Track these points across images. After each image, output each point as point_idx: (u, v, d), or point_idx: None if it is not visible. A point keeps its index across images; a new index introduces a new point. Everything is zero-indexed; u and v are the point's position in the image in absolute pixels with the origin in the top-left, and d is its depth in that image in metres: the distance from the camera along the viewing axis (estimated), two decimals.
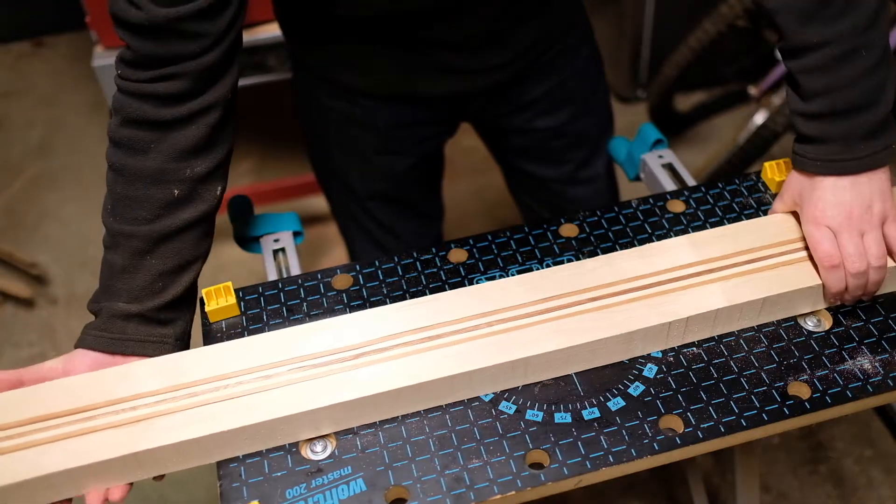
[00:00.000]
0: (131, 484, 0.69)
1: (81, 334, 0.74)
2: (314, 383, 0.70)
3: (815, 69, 0.74)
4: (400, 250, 0.87)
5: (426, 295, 0.81)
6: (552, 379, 0.74)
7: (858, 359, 0.74)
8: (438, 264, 0.85)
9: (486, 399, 0.73)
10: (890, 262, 0.75)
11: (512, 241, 0.87)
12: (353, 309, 0.81)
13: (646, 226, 0.88)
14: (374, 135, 1.03)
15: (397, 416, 0.72)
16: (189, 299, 0.78)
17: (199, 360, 0.72)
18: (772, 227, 0.81)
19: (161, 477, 0.71)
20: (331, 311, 0.81)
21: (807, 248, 0.77)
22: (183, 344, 0.77)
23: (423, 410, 0.72)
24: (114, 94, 0.74)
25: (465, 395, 0.72)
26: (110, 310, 0.74)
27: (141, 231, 0.73)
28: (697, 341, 0.76)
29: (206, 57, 0.72)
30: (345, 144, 1.05)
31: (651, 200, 0.92)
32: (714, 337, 0.76)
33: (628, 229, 0.88)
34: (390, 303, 0.80)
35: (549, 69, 1.02)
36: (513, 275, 0.82)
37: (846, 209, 0.74)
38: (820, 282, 0.75)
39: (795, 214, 0.80)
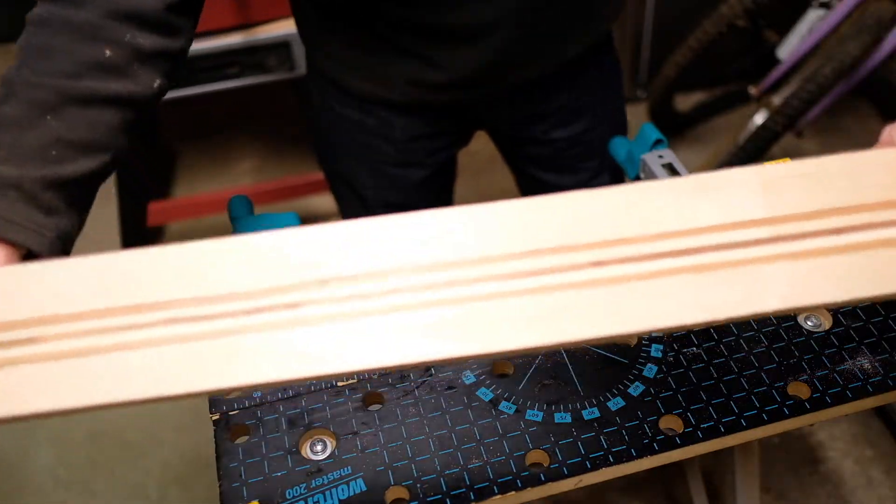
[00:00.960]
0: None
1: None
2: (209, 344, 0.43)
3: None
4: None
5: None
6: (549, 379, 0.74)
7: (858, 359, 0.74)
8: None
9: (486, 399, 0.73)
10: None
11: None
12: None
13: None
14: (389, 146, 1.02)
15: (397, 417, 0.72)
16: (84, 197, 0.61)
17: (36, 285, 0.45)
18: (888, 173, 0.49)
19: None
20: None
21: None
22: (61, 250, 0.58)
23: (423, 410, 0.72)
24: None
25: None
26: None
27: (51, 83, 0.58)
28: (697, 341, 0.76)
29: None
30: (358, 154, 1.04)
31: None
32: (714, 337, 0.76)
33: None
34: None
35: (571, 80, 1.01)
36: None
37: None
38: None
39: None
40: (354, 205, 1.13)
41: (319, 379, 0.45)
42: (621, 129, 1.15)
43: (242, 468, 0.69)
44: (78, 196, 0.60)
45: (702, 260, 0.47)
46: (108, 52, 0.60)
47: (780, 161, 0.51)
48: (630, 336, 0.49)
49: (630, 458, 0.68)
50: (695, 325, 0.47)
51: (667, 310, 0.46)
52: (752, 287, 0.46)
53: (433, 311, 0.45)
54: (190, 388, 0.43)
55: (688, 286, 0.46)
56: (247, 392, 0.74)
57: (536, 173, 1.13)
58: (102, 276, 0.45)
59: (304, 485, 0.67)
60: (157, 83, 0.64)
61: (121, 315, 0.44)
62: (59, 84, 0.58)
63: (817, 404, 0.71)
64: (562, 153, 1.08)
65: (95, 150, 0.60)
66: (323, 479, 0.67)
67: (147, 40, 0.62)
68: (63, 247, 0.58)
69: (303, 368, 0.43)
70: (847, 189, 0.48)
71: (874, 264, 0.46)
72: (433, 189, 1.11)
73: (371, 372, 0.44)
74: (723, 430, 0.69)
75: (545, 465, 0.68)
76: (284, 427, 0.72)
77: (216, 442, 0.72)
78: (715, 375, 0.73)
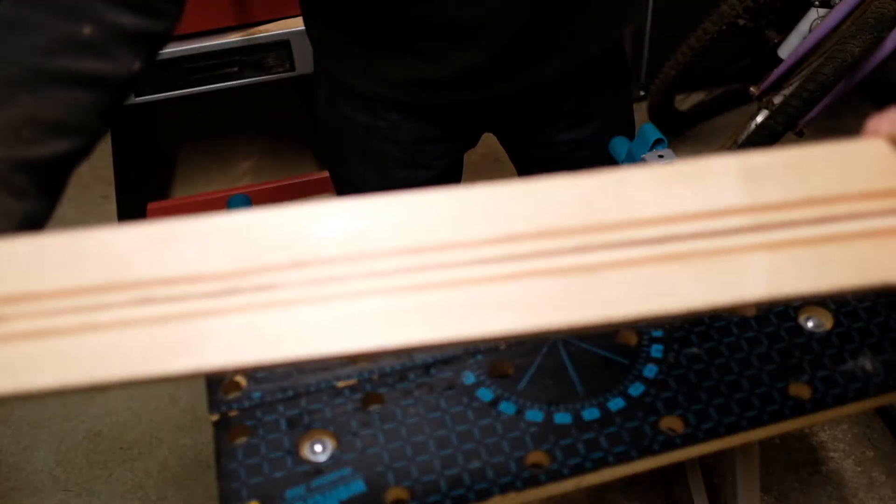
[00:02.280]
0: None
1: None
2: (170, 327, 0.43)
3: None
4: None
5: None
6: (549, 379, 0.74)
7: (860, 359, 0.74)
8: None
9: (486, 399, 0.73)
10: None
11: None
12: None
13: None
14: (395, 147, 1.01)
15: (397, 417, 0.71)
16: (56, 181, 0.58)
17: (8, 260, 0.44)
18: (866, 163, 0.50)
19: None
20: None
21: None
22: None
23: (423, 411, 0.72)
24: None
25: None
26: None
27: (26, 59, 0.55)
28: (698, 342, 0.76)
29: None
30: (365, 155, 1.04)
31: None
32: (714, 337, 0.76)
33: None
34: None
35: (581, 84, 1.01)
36: None
37: None
38: None
39: None
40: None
41: (292, 363, 0.43)
42: (628, 133, 1.14)
43: (242, 469, 0.68)
44: (50, 180, 0.57)
45: (682, 248, 0.47)
46: (87, 30, 0.57)
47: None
48: (609, 324, 0.47)
49: (630, 459, 0.68)
50: (677, 313, 0.46)
51: (647, 297, 0.45)
52: (734, 275, 0.46)
53: (407, 297, 0.44)
54: (160, 370, 0.41)
55: (669, 274, 0.46)
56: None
57: (541, 174, 1.13)
58: (70, 254, 0.44)
59: (304, 485, 0.67)
60: (135, 65, 0.61)
61: (89, 295, 0.43)
62: (34, 61, 0.55)
63: (818, 405, 0.71)
64: (568, 156, 1.08)
65: (69, 131, 0.58)
66: (323, 480, 0.67)
67: (129, 20, 0.60)
68: (31, 232, 0.53)
69: (275, 351, 0.42)
70: (830, 179, 0.48)
71: (856, 255, 0.46)
72: None
73: (347, 356, 0.43)
74: (723, 430, 0.69)
75: (545, 465, 0.67)
76: (284, 428, 0.72)
77: (216, 442, 0.71)
78: (715, 376, 0.73)
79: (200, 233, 0.44)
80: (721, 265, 0.46)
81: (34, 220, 0.56)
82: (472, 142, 1.09)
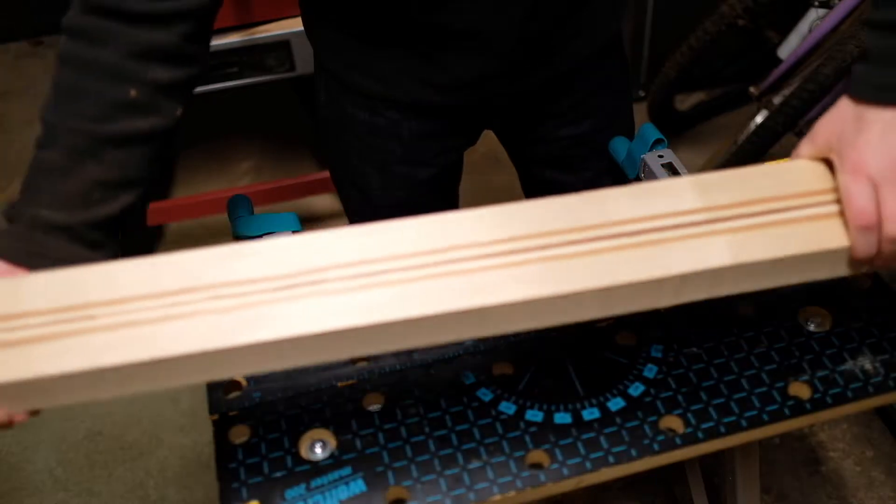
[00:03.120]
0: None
1: None
2: (235, 315, 0.58)
3: None
4: None
5: None
6: (549, 379, 0.74)
7: (859, 359, 0.74)
8: None
9: (486, 399, 0.73)
10: None
11: None
12: None
13: None
14: (397, 145, 1.01)
15: (397, 417, 0.71)
16: (123, 227, 0.68)
17: (98, 278, 0.59)
18: (795, 174, 0.65)
19: (36, 412, 0.61)
20: None
21: (837, 202, 0.63)
22: None
23: (423, 410, 0.72)
24: None
25: (415, 343, 0.61)
26: (32, 218, 0.62)
27: (87, 128, 0.64)
28: (698, 341, 0.76)
29: None
30: (365, 153, 1.04)
31: None
32: (714, 337, 0.76)
33: None
34: None
35: (580, 81, 1.01)
36: None
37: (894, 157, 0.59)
38: (847, 244, 0.62)
39: (826, 162, 0.66)
40: (360, 203, 1.13)
41: (337, 335, 0.58)
42: (628, 131, 1.15)
43: (242, 468, 0.69)
44: (117, 228, 0.67)
45: (656, 237, 0.61)
46: (132, 93, 0.65)
47: (769, 162, 0.69)
48: (606, 293, 0.61)
49: (630, 459, 0.68)
50: (659, 280, 0.60)
51: (635, 270, 0.59)
52: (703, 251, 0.60)
53: (430, 282, 0.59)
54: (227, 344, 0.56)
55: (649, 253, 0.60)
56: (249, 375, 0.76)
57: (541, 171, 1.13)
58: (146, 270, 0.59)
59: (304, 485, 0.67)
60: (178, 111, 0.69)
61: (167, 297, 0.58)
62: (94, 129, 0.64)
63: (818, 405, 0.71)
64: (568, 151, 1.08)
65: (132, 185, 0.66)
66: (323, 480, 0.67)
67: (166, 74, 0.67)
68: None
69: (323, 324, 0.57)
70: (769, 185, 0.64)
71: (798, 232, 0.62)
72: (439, 187, 1.10)
73: (381, 327, 0.59)
74: (723, 430, 0.69)
75: (545, 465, 0.68)
76: (284, 427, 0.72)
77: (216, 442, 0.71)
78: (715, 376, 0.73)
79: (254, 250, 0.60)
80: (691, 244, 0.61)
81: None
82: (473, 139, 1.09)
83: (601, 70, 1.03)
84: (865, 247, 0.61)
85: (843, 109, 0.63)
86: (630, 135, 1.15)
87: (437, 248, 0.61)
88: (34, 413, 0.60)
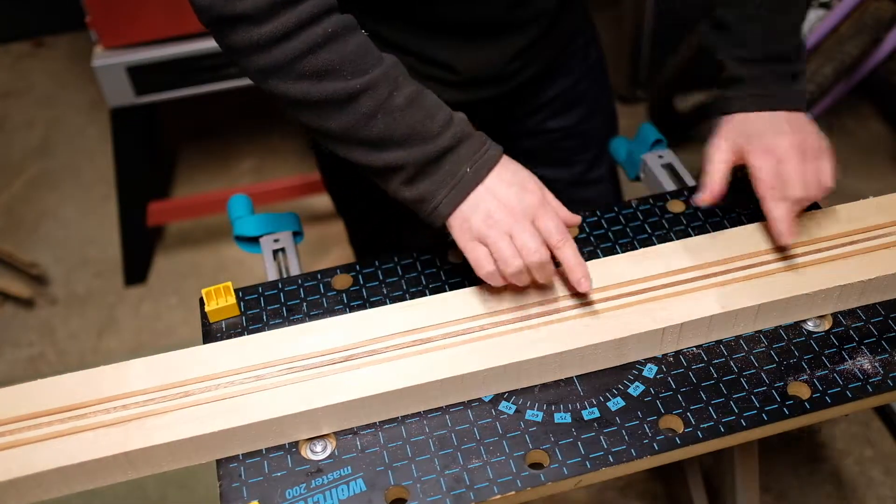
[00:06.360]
0: None
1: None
2: (307, 384, 0.70)
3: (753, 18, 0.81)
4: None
5: (426, 295, 0.81)
6: (550, 380, 0.74)
7: (858, 359, 0.74)
8: (438, 264, 0.85)
9: (486, 399, 0.73)
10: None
11: None
12: (352, 309, 0.81)
13: (645, 226, 0.88)
14: None
15: (397, 417, 0.72)
16: None
17: (191, 360, 0.72)
18: (766, 233, 0.81)
19: None
20: (330, 312, 0.81)
21: (803, 255, 0.78)
22: None
23: (423, 410, 0.72)
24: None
25: (458, 399, 0.72)
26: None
27: (390, 62, 0.72)
28: (697, 341, 0.76)
29: None
30: None
31: (651, 200, 0.92)
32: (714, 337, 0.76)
33: (628, 229, 0.88)
34: (390, 303, 0.80)
35: (564, 70, 1.02)
36: None
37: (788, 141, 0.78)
38: (820, 288, 0.75)
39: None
40: (356, 203, 1.13)
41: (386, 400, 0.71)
42: (612, 121, 1.16)
43: (242, 468, 0.69)
44: None
45: (657, 294, 0.76)
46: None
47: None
48: (622, 343, 0.74)
49: (630, 458, 0.68)
50: (663, 330, 0.73)
51: (643, 322, 0.73)
52: (695, 303, 0.75)
53: (452, 349, 0.73)
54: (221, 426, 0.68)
55: (650, 308, 0.74)
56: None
57: (531, 167, 1.14)
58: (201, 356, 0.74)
59: (304, 485, 0.67)
60: None
61: (169, 389, 0.71)
62: (393, 61, 0.73)
63: (817, 404, 0.71)
64: (556, 145, 1.09)
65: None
66: (323, 479, 0.67)
67: None
68: None
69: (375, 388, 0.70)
70: (744, 244, 0.80)
71: (770, 282, 0.76)
72: None
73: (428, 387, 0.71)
74: (723, 430, 0.69)
75: (545, 465, 0.68)
76: None
77: None
78: (715, 375, 0.73)
79: (313, 329, 0.75)
80: (685, 298, 0.75)
81: None
82: None
83: (581, 59, 1.05)
84: (782, 213, 0.77)
85: (739, 120, 0.82)
86: (614, 122, 1.16)
87: (466, 317, 0.75)
88: None
